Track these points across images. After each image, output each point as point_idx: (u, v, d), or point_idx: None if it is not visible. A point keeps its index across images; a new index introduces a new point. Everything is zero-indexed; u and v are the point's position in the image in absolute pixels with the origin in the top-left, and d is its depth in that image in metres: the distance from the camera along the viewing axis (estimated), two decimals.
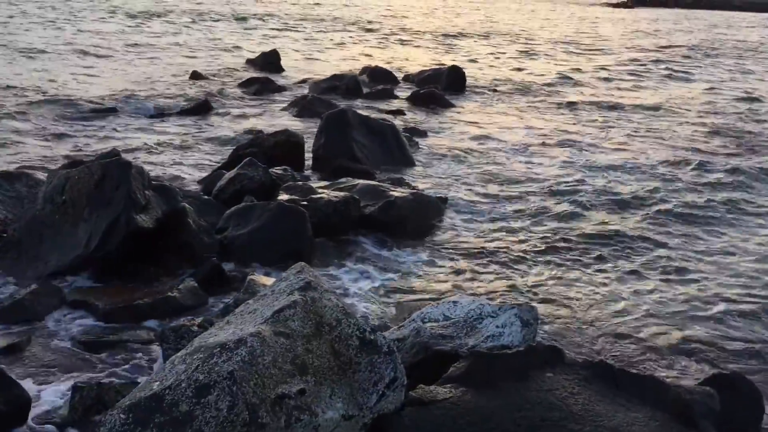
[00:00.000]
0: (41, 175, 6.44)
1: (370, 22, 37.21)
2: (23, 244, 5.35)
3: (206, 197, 6.57)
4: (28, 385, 3.81)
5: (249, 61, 18.46)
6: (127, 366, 4.10)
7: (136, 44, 20.91)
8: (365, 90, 14.23)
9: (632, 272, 5.88)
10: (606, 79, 18.64)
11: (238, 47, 22.10)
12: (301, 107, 11.73)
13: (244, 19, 34.14)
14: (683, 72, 20.38)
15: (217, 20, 32.73)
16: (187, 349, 2.91)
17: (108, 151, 7.61)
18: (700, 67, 21.71)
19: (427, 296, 5.20)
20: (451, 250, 6.18)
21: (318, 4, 45.35)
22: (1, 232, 5.61)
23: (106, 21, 28.05)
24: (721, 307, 5.32)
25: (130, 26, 26.79)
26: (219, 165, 8.00)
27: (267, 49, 19.96)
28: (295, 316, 2.95)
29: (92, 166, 5.45)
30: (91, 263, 5.11)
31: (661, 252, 6.37)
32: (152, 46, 20.93)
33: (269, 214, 5.77)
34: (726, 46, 29.24)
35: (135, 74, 15.27)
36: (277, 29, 29.82)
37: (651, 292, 5.53)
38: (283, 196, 6.39)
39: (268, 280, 4.68)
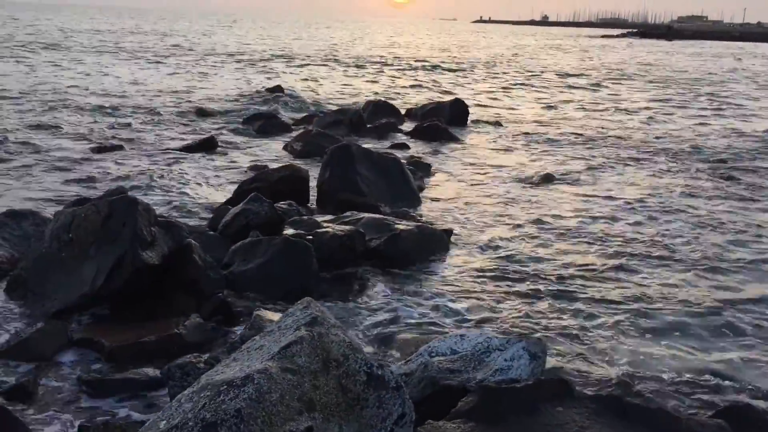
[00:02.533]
0: (48, 213, 6.48)
1: (371, 57, 37.72)
2: (29, 282, 5.35)
3: (212, 233, 6.59)
4: (34, 425, 3.78)
5: (252, 97, 18.68)
6: (133, 404, 4.07)
7: (138, 81, 21.21)
8: (369, 124, 14.34)
9: (640, 303, 5.85)
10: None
11: (243, 84, 22.37)
12: (306, 142, 11.81)
13: (250, 57, 34.62)
14: None
15: (223, 59, 33.19)
16: (193, 387, 2.89)
17: (114, 189, 7.66)
18: None
19: (433, 330, 5.17)
20: (456, 283, 6.16)
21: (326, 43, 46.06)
22: (8, 270, 5.62)
23: (113, 63, 28.46)
24: (732, 338, 5.27)
25: (135, 65, 27.19)
26: (224, 200, 8.03)
27: (270, 84, 20.24)
28: (302, 352, 2.94)
29: (99, 203, 5.47)
30: (97, 301, 5.10)
31: (669, 285, 6.33)
32: (155, 83, 21.20)
33: (275, 249, 5.78)
34: None
35: (140, 111, 15.43)
36: (285, 67, 30.21)
37: (659, 323, 5.48)
38: (289, 231, 6.40)
39: (275, 316, 4.66)
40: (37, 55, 28.57)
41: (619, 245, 7.35)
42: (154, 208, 5.80)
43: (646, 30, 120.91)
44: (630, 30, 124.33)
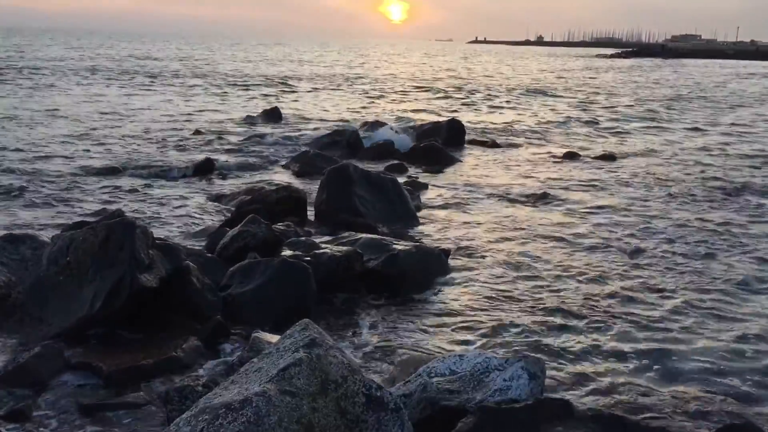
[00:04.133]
0: (45, 237, 6.47)
1: (374, 79, 37.95)
2: (27, 306, 5.34)
3: (210, 255, 6.58)
4: None
5: (251, 119, 18.77)
6: (131, 429, 4.04)
7: (137, 105, 21.30)
8: (366, 144, 14.38)
9: (640, 322, 5.84)
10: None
11: (241, 105, 22.49)
12: (303, 163, 11.85)
13: (247, 79, 34.86)
14: None
15: (222, 80, 33.37)
16: (192, 411, 2.88)
17: (112, 212, 7.66)
18: None
19: (432, 350, 5.15)
20: (455, 303, 6.15)
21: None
22: (6, 295, 5.61)
23: (108, 84, 28.60)
24: (733, 357, 5.24)
25: (132, 86, 27.33)
26: (222, 222, 8.04)
27: (268, 106, 20.34)
28: (301, 374, 2.93)
29: (96, 226, 5.48)
30: (96, 324, 5.09)
31: (668, 305, 6.32)
32: (153, 105, 21.30)
33: (272, 271, 5.77)
34: None
35: (137, 134, 15.48)
36: (282, 89, 30.38)
37: (660, 343, 5.47)
38: (287, 252, 6.40)
39: (273, 338, 4.65)
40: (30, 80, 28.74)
41: (617, 264, 7.36)
42: (152, 230, 5.80)
43: (640, 49, 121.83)
44: (624, 49, 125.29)
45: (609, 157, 14.39)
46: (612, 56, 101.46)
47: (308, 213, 8.58)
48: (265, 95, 26.95)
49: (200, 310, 5.39)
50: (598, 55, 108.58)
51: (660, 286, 6.68)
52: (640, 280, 6.83)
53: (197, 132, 15.95)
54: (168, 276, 5.35)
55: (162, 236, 7.18)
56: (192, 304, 5.41)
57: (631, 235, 8.42)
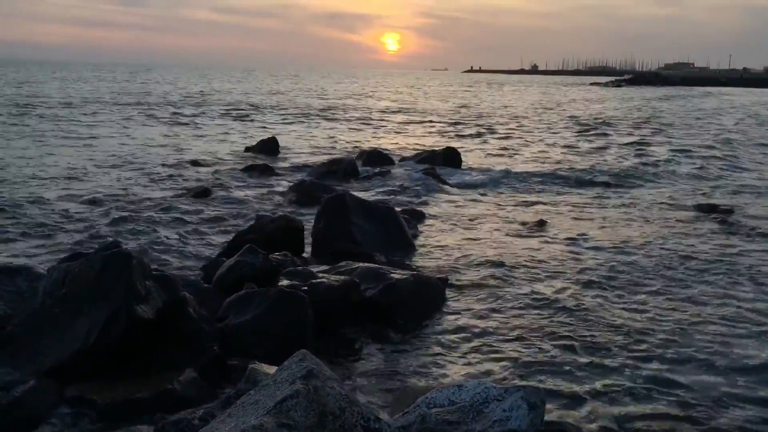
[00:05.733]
0: (41, 269, 6.44)
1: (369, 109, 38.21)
2: (22, 339, 5.29)
3: (207, 285, 6.55)
4: None
5: (248, 149, 18.85)
6: None
7: (133, 135, 21.40)
8: (363, 173, 14.44)
9: (639, 351, 5.81)
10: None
11: (239, 135, 22.60)
12: (300, 192, 11.87)
13: (244, 110, 35.11)
14: None
15: (220, 110, 33.60)
16: None
17: (109, 243, 7.63)
18: None
19: (431, 380, 5.11)
20: (452, 332, 6.12)
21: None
22: (1, 327, 5.56)
23: (104, 115, 28.78)
24: (734, 386, 5.20)
25: (129, 117, 27.48)
26: (219, 252, 8.03)
27: (266, 136, 20.44)
28: (298, 406, 2.90)
29: (93, 258, 5.46)
30: (91, 356, 5.04)
31: (670, 333, 6.29)
32: (150, 135, 21.39)
33: (269, 301, 5.74)
34: None
35: (134, 164, 15.53)
36: (278, 120, 30.58)
37: (659, 372, 5.44)
38: (284, 282, 6.38)
39: (270, 369, 4.60)
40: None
41: (617, 293, 7.34)
42: (148, 261, 5.78)
43: (635, 77, 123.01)
44: (618, 78, 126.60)
45: (605, 185, 14.45)
46: (606, 84, 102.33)
47: (306, 242, 8.57)
48: (263, 125, 27.10)
49: (197, 341, 5.34)
50: (593, 84, 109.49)
51: (663, 316, 6.65)
52: (639, 308, 6.81)
53: (195, 162, 16.01)
54: (164, 307, 5.32)
55: (158, 267, 7.17)
56: (188, 336, 5.36)
57: (632, 264, 8.42)
